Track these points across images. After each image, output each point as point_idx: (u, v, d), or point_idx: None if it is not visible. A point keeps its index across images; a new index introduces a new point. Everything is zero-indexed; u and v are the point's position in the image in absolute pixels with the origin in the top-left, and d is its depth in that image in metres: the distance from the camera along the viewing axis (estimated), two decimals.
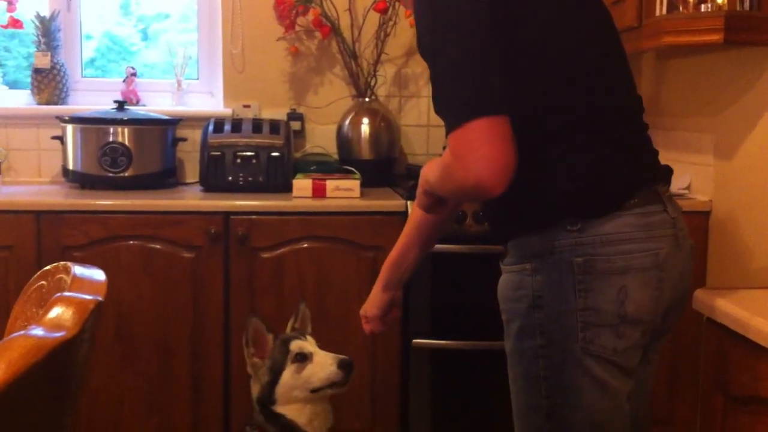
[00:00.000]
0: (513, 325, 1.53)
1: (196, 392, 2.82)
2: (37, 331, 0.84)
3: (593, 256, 1.42)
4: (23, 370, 0.77)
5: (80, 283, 0.91)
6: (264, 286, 2.80)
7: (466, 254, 2.82)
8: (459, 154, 1.32)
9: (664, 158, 3.18)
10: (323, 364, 2.01)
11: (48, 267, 1.01)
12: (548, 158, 1.45)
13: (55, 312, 0.88)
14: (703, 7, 2.49)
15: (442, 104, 1.40)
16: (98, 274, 0.95)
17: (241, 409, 2.74)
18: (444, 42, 1.38)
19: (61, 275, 0.95)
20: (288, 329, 2.27)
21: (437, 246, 2.74)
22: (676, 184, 2.97)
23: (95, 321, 0.94)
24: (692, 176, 2.96)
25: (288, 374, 2.02)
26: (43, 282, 1.04)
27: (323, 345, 2.24)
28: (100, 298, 0.90)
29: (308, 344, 2.07)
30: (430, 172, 1.51)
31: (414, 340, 2.83)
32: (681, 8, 2.53)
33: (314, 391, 2.05)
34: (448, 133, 1.36)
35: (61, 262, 1.06)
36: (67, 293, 0.89)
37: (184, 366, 2.82)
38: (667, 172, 1.64)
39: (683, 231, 1.55)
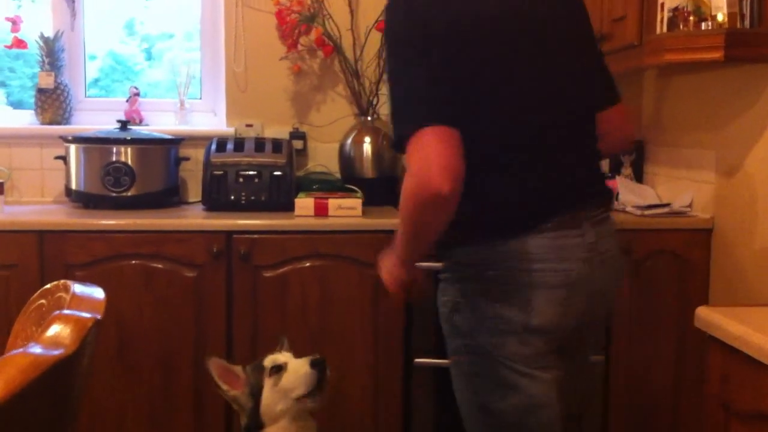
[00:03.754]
0: (444, 327, 1.70)
1: (198, 410, 2.82)
2: (36, 349, 0.84)
3: (506, 270, 1.56)
4: (21, 386, 0.77)
5: (79, 301, 0.91)
6: (266, 304, 2.80)
7: None
8: (408, 165, 1.46)
9: (665, 175, 3.20)
10: (297, 369, 1.96)
11: (48, 285, 1.02)
12: (478, 182, 1.53)
13: (54, 330, 0.88)
14: (703, 25, 2.50)
15: (396, 116, 1.51)
16: (97, 292, 0.96)
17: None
18: (399, 61, 1.53)
19: (60, 293, 0.95)
20: None
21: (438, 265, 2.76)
22: (678, 202, 2.98)
23: (94, 338, 0.94)
24: (694, 193, 2.96)
25: (267, 390, 1.98)
26: (43, 300, 1.04)
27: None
28: (98, 316, 0.90)
29: (281, 356, 2.04)
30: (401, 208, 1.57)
31: (416, 359, 2.82)
32: (681, 26, 2.54)
33: (297, 399, 1.97)
34: (398, 144, 1.49)
35: (61, 281, 1.06)
36: (65, 311, 0.89)
37: (186, 383, 2.81)
38: (602, 195, 1.71)
39: (606, 254, 1.67)
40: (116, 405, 2.79)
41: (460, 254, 1.62)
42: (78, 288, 0.98)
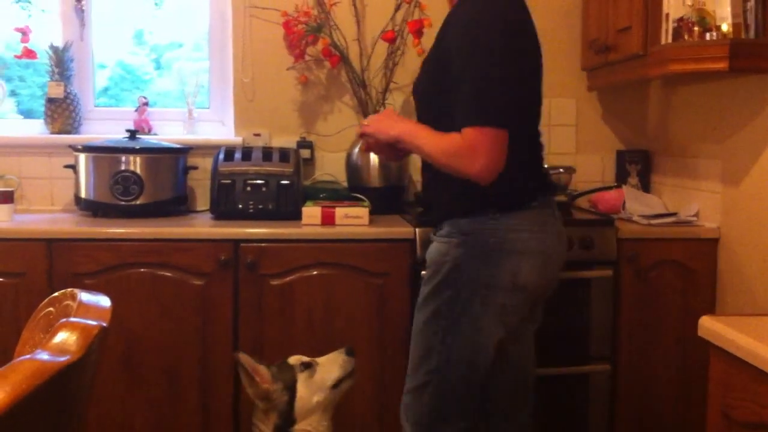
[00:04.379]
0: (435, 278, 2.02)
1: (205, 418, 2.83)
2: (42, 355, 0.85)
3: (501, 239, 1.97)
4: (27, 392, 0.78)
5: (86, 309, 0.92)
6: (273, 312, 2.82)
7: None
8: (473, 147, 1.87)
9: (672, 185, 3.22)
10: (332, 360, 2.14)
11: (56, 294, 1.03)
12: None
13: (60, 337, 0.90)
14: (708, 36, 2.52)
15: (470, 103, 1.90)
16: (104, 301, 0.97)
17: None
18: (484, 62, 1.90)
19: (67, 301, 0.96)
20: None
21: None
22: (685, 212, 2.98)
23: (99, 346, 0.95)
24: (700, 203, 2.97)
25: (302, 383, 2.08)
26: (50, 308, 1.05)
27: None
28: (104, 324, 0.92)
29: (302, 357, 2.17)
30: (428, 141, 2.00)
31: None
32: (686, 36, 2.55)
33: (335, 386, 2.17)
34: (465, 124, 1.89)
35: (69, 289, 1.07)
36: (72, 319, 0.91)
37: (193, 392, 2.82)
38: (555, 186, 2.34)
39: (563, 233, 2.14)
40: (123, 414, 2.80)
41: (464, 224, 1.99)
42: (85, 296, 0.99)
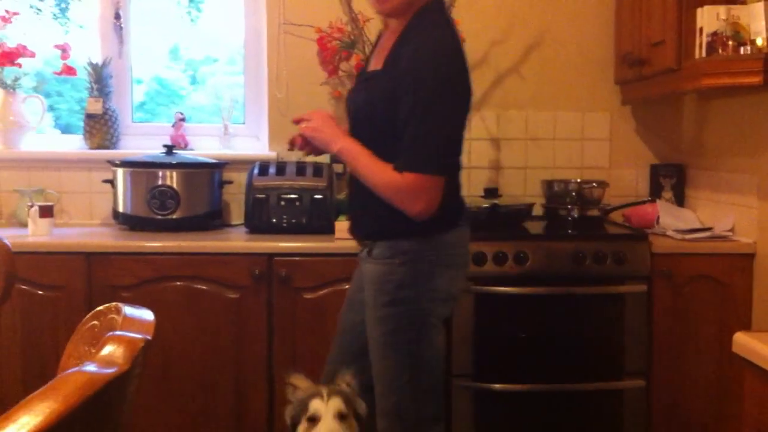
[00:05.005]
0: (382, 298, 2.14)
1: (240, 430, 2.85)
2: (91, 367, 0.88)
3: (440, 256, 2.14)
4: (78, 403, 0.80)
5: (130, 323, 0.95)
6: (306, 325, 2.84)
7: (508, 295, 2.83)
8: (415, 191, 2.05)
9: (707, 199, 3.19)
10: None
11: (100, 308, 1.06)
12: None
13: (108, 350, 0.92)
14: (742, 50, 2.51)
15: (416, 148, 2.04)
16: (147, 314, 1.00)
17: None
18: (437, 109, 2.03)
19: (112, 315, 0.99)
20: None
21: (480, 288, 2.78)
22: (720, 226, 2.96)
23: (143, 358, 0.98)
24: (735, 218, 2.94)
25: (301, 430, 2.04)
26: (95, 322, 1.08)
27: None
28: (148, 337, 0.94)
29: (323, 407, 2.01)
30: (370, 169, 2.12)
31: (455, 381, 2.84)
32: (720, 50, 2.54)
33: None
34: (409, 168, 2.03)
35: (113, 303, 1.10)
36: (118, 332, 0.93)
37: (228, 404, 2.85)
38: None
39: None
40: (159, 424, 2.84)
41: (406, 244, 2.12)
42: (129, 310, 1.02)
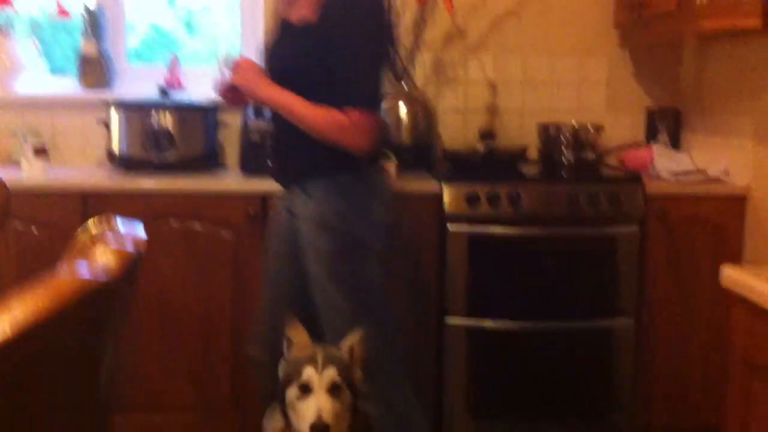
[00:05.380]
0: (325, 235, 2.23)
1: (237, 369, 2.88)
2: (82, 272, 0.89)
3: (373, 188, 2.30)
4: (69, 304, 0.82)
5: (122, 237, 0.96)
6: None
7: (501, 236, 2.85)
8: (360, 127, 2.18)
9: (702, 142, 3.19)
10: (306, 414, 1.87)
11: (92, 220, 1.05)
12: None
13: (99, 258, 0.93)
14: None
15: (358, 87, 2.19)
16: (139, 230, 1.00)
17: None
18: (371, 51, 2.23)
19: (104, 228, 0.99)
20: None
21: (474, 228, 2.79)
22: (714, 169, 2.97)
23: (135, 272, 0.99)
24: (730, 160, 2.95)
25: (292, 394, 1.93)
26: (86, 234, 1.07)
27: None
28: (140, 251, 0.95)
29: (316, 378, 1.90)
30: (309, 112, 2.20)
31: (449, 320, 2.87)
32: None
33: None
34: (352, 105, 2.16)
35: (105, 215, 1.11)
36: (109, 244, 0.94)
37: (225, 342, 2.88)
38: None
39: None
40: (157, 362, 2.87)
41: (342, 180, 2.24)
42: (121, 224, 1.02)
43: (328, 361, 1.92)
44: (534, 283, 2.90)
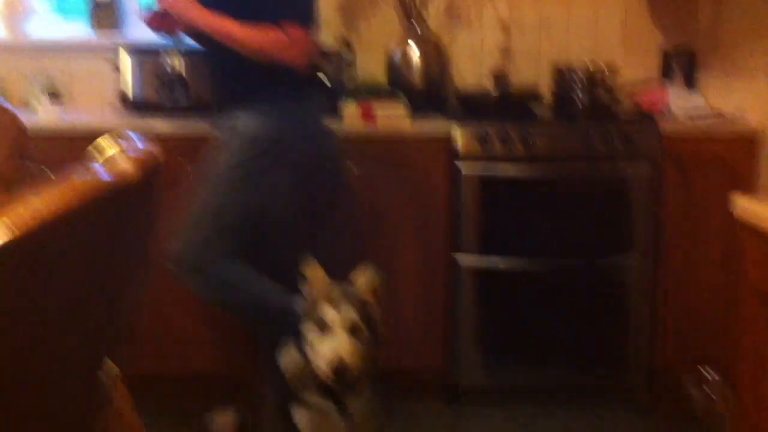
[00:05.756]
0: (250, 151, 2.31)
1: None
2: (100, 172, 0.90)
3: (299, 109, 2.38)
4: (86, 202, 0.83)
5: (138, 147, 0.97)
6: None
7: (514, 177, 2.85)
8: (298, 41, 2.23)
9: (717, 84, 3.14)
10: (326, 354, 1.85)
11: (104, 136, 1.05)
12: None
13: (118, 163, 0.94)
14: None
15: (289, 4, 2.26)
16: (156, 148, 1.01)
17: None
18: None
19: (120, 141, 1.00)
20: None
21: (486, 170, 2.79)
22: (729, 110, 2.94)
23: (155, 182, 1.00)
24: (745, 101, 2.92)
25: (309, 330, 1.91)
26: (99, 147, 1.07)
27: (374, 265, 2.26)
28: (158, 161, 0.96)
29: (337, 318, 1.88)
30: (244, 31, 2.22)
31: (460, 260, 2.88)
32: None
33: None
34: (288, 20, 2.20)
35: (119, 131, 1.12)
36: (126, 151, 0.95)
37: None
38: None
39: None
40: (169, 300, 2.88)
41: (276, 100, 2.32)
42: (136, 138, 1.03)
43: (348, 300, 1.90)
44: (545, 223, 2.91)
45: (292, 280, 2.14)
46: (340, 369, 1.82)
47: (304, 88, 2.41)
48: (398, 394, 2.74)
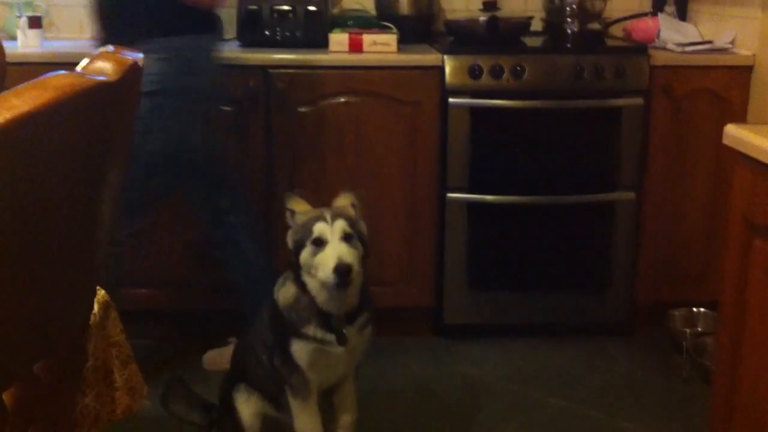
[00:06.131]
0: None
1: None
2: (79, 72, 0.88)
3: (202, 54, 2.47)
4: (67, 96, 0.81)
5: (120, 52, 0.95)
6: (304, 140, 2.84)
7: (504, 108, 2.83)
8: None
9: (709, 12, 3.10)
10: (326, 262, 1.90)
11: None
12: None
13: (96, 63, 0.92)
14: None
15: None
16: (137, 54, 0.99)
17: (285, 254, 2.81)
18: None
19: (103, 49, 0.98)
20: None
21: (476, 101, 2.77)
22: (721, 40, 2.91)
23: (136, 83, 0.98)
24: (737, 30, 2.89)
25: (306, 254, 1.95)
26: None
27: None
28: (138, 57, 0.95)
29: (328, 229, 1.93)
30: None
31: (450, 194, 2.87)
32: None
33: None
34: None
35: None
36: (106, 54, 0.93)
37: None
38: None
39: None
40: (164, 238, 2.86)
41: (177, 42, 2.36)
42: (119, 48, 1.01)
43: (336, 215, 1.96)
44: (536, 157, 2.89)
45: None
46: (342, 267, 1.88)
47: (204, 24, 2.47)
48: (387, 330, 2.73)
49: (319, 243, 1.93)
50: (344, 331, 1.99)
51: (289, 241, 2.02)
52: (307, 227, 1.95)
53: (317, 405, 2.10)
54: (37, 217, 0.85)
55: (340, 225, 1.94)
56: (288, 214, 2.04)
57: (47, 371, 1.08)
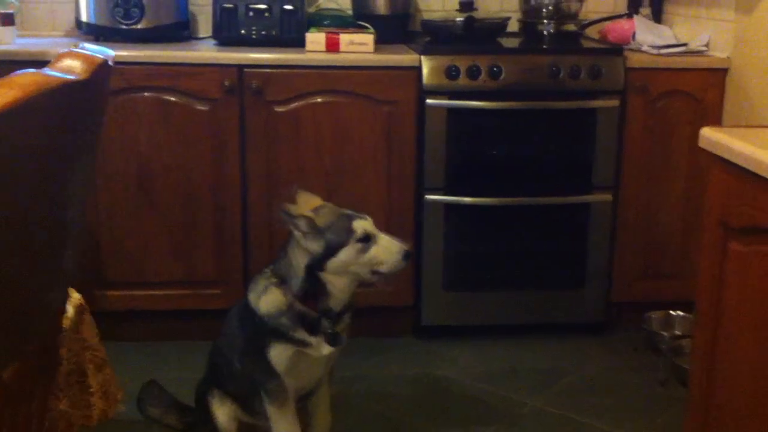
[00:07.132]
0: None
1: (219, 243, 2.87)
2: (48, 70, 0.87)
3: None
4: (35, 94, 0.79)
5: (88, 51, 0.93)
6: (280, 139, 2.82)
7: (480, 110, 2.83)
8: None
9: (684, 15, 3.11)
10: (389, 251, 1.96)
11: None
12: None
13: (65, 61, 0.90)
14: None
15: None
16: (108, 51, 0.97)
17: (260, 255, 2.82)
18: None
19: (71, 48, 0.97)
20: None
21: (453, 102, 2.76)
22: (696, 42, 2.93)
23: (104, 79, 0.96)
24: (712, 33, 2.91)
25: (350, 251, 1.95)
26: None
27: (341, 200, 2.23)
28: (109, 60, 0.93)
29: (370, 225, 1.99)
30: None
31: (426, 195, 2.86)
32: None
33: (375, 273, 1.99)
34: None
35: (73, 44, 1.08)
36: (75, 49, 0.92)
37: (208, 218, 2.85)
38: None
39: None
40: (139, 239, 2.84)
41: None
42: (88, 45, 0.99)
43: (358, 211, 2.02)
44: (513, 158, 2.90)
45: None
46: (408, 253, 1.99)
47: None
48: (365, 330, 2.72)
49: (367, 239, 1.96)
50: (334, 330, 2.00)
51: (312, 245, 1.97)
52: (344, 227, 1.96)
53: (295, 410, 2.09)
54: (1, 215, 0.83)
55: (370, 220, 2.01)
56: (301, 221, 1.97)
57: (17, 375, 1.06)
